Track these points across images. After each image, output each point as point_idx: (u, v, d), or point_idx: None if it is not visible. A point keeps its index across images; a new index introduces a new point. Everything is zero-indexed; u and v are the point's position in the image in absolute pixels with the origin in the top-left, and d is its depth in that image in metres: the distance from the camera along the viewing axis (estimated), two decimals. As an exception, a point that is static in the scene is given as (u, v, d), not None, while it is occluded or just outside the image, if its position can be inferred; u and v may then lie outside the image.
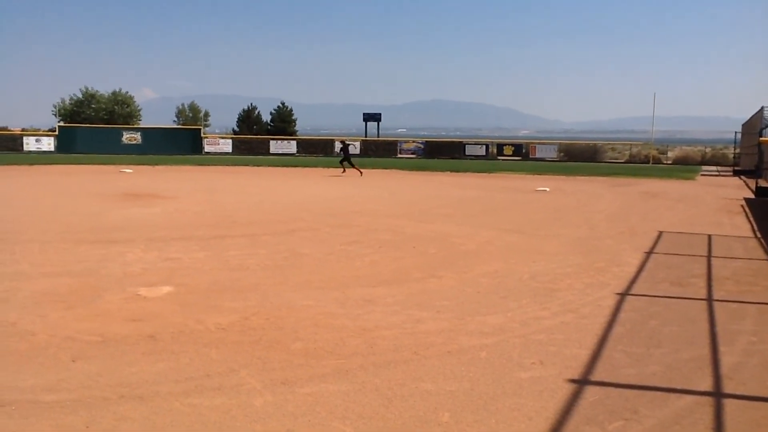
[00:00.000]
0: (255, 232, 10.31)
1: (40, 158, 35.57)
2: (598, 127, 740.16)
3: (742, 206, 15.77)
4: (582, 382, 4.18)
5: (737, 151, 37.90)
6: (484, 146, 45.45)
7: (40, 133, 48.09)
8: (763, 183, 19.66)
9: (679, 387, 4.10)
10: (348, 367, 4.41)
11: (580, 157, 43.06)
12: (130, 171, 26.29)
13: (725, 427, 3.56)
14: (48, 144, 43.78)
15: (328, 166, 29.29)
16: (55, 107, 55.08)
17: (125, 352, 4.63)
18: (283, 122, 57.76)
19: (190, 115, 64.72)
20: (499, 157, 43.28)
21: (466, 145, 45.87)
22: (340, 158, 26.75)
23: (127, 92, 61.09)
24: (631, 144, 47.25)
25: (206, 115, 62.40)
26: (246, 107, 59.29)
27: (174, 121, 65.00)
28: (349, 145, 27.92)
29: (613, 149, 46.36)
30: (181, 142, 45.48)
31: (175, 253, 8.43)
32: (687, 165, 39.10)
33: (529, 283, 7.02)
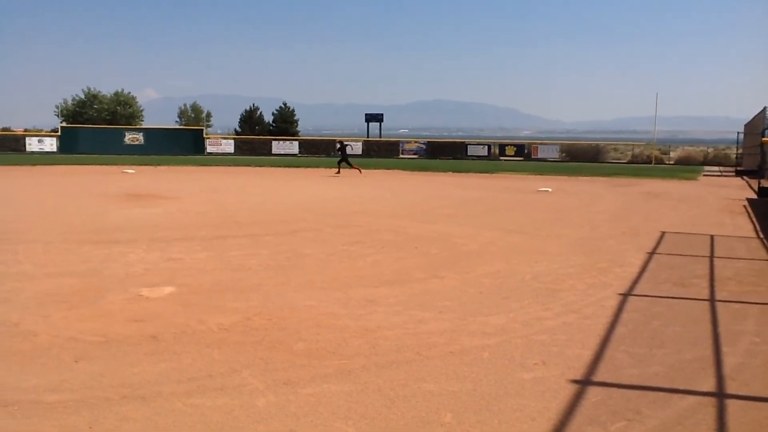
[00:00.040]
0: (257, 233, 10.31)
1: (42, 159, 35.67)
2: (599, 127, 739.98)
3: (744, 206, 15.75)
4: (584, 382, 4.17)
5: (739, 151, 37.84)
6: (487, 147, 45.47)
7: (43, 133, 48.21)
8: (765, 183, 19.60)
9: (681, 387, 4.09)
10: (350, 367, 4.40)
11: (582, 157, 43.04)
12: (133, 171, 26.35)
13: (728, 427, 3.56)
14: (50, 144, 43.92)
15: (330, 167, 29.28)
16: (57, 108, 55.20)
17: (128, 352, 4.64)
18: (285, 123, 57.84)
19: (192, 115, 64.83)
20: (501, 158, 43.30)
21: (468, 146, 45.91)
22: (338, 159, 26.81)
23: (130, 93, 61.30)
24: (633, 144, 47.14)
25: (208, 115, 62.50)
26: (248, 108, 59.39)
27: (176, 121, 65.11)
28: (347, 145, 27.93)
29: (615, 149, 46.26)
30: (183, 142, 45.61)
31: (177, 254, 8.43)
32: (689, 165, 39.07)
33: (532, 283, 7.01)
